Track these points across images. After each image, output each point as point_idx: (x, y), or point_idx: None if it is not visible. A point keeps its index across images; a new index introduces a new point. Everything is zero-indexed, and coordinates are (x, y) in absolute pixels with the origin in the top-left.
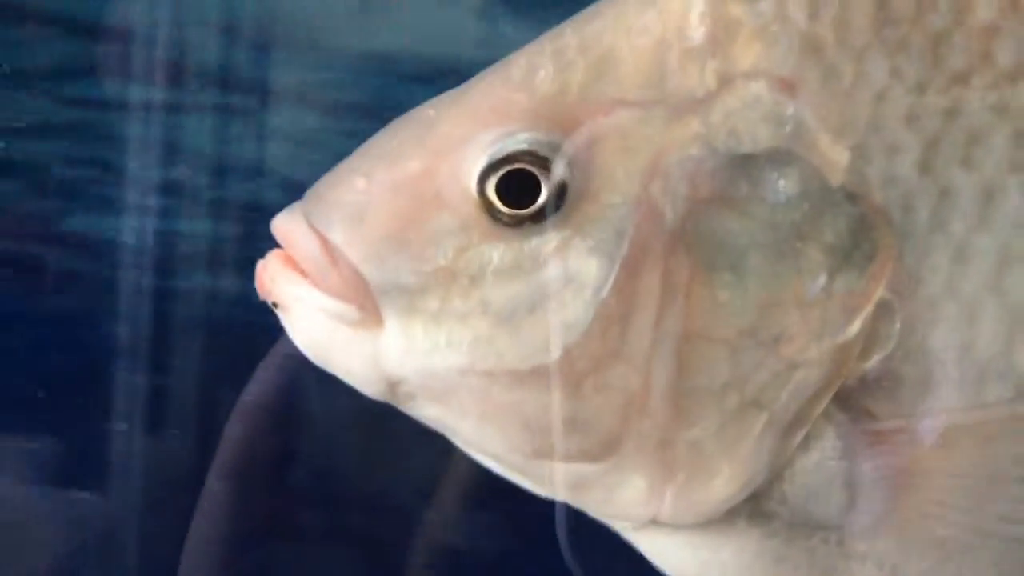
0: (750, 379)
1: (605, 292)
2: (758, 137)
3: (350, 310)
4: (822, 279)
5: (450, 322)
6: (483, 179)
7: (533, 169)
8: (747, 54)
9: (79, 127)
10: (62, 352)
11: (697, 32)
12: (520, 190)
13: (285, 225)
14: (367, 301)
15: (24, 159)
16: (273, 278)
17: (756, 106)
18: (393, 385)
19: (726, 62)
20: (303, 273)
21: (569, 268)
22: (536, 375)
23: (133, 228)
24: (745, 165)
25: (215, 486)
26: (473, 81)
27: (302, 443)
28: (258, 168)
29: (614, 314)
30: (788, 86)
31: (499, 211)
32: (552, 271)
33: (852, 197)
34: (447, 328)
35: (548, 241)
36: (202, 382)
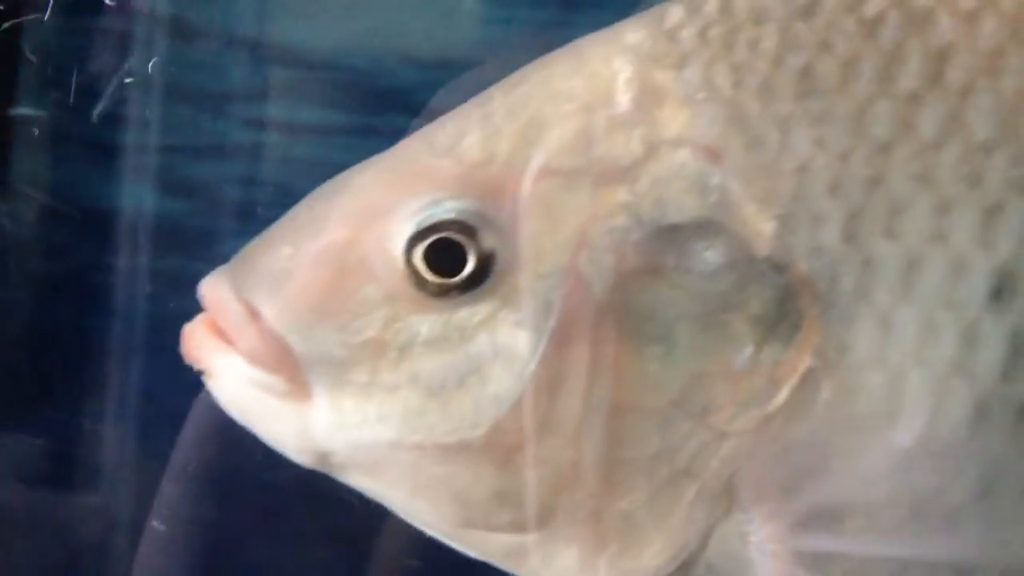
0: (680, 449)
1: (533, 364)
2: (684, 207)
3: (278, 382)
4: (749, 349)
5: (380, 395)
6: (409, 248)
7: (460, 238)
8: (673, 122)
9: (254, 149)
10: None
11: (623, 98)
12: (447, 260)
13: (211, 291)
14: (295, 372)
15: (199, 179)
16: (199, 345)
17: (681, 175)
18: (323, 456)
19: (652, 129)
20: (229, 341)
21: (497, 340)
22: (466, 448)
23: None
24: (672, 235)
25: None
26: (399, 146)
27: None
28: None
29: (543, 386)
30: (713, 155)
31: (426, 281)
32: (480, 343)
33: (777, 267)
34: (377, 401)
35: (476, 313)
36: None
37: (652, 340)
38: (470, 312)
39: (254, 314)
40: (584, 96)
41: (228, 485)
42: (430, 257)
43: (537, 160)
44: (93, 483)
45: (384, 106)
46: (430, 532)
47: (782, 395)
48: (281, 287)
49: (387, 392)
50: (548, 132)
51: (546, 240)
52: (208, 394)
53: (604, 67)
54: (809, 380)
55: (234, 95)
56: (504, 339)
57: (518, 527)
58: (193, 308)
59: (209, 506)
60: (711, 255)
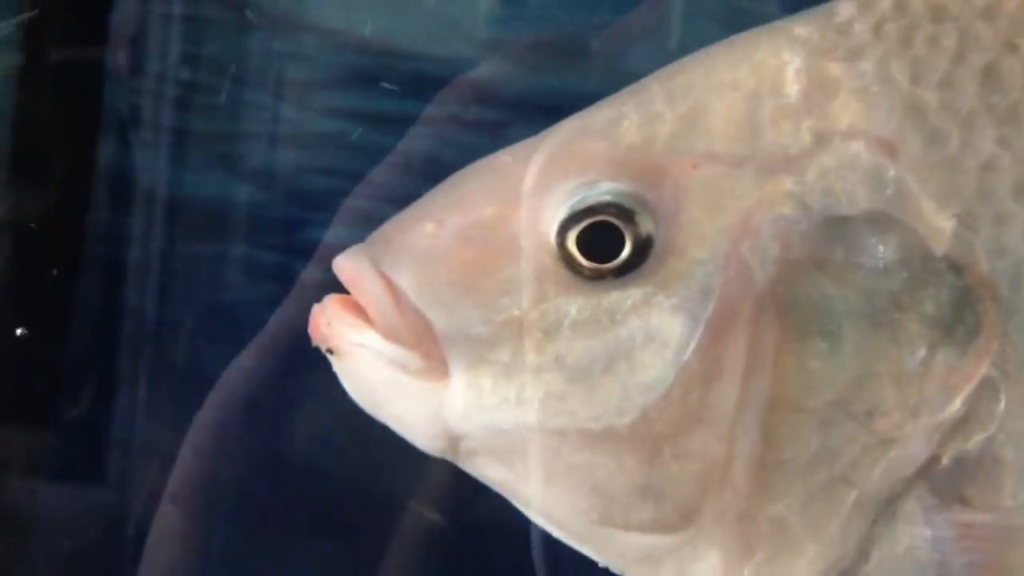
0: (840, 454)
1: (688, 353)
2: (856, 199)
3: (414, 358)
4: (921, 352)
5: (521, 376)
6: (563, 229)
7: (616, 222)
8: (845, 113)
9: (333, 137)
10: None
11: (792, 88)
12: (603, 242)
13: (349, 266)
14: (433, 349)
15: (277, 167)
16: (330, 322)
17: (854, 166)
18: (454, 440)
19: (823, 120)
20: (364, 319)
21: (651, 326)
22: (610, 436)
23: None
24: (841, 227)
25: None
26: (549, 130)
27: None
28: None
29: (696, 377)
30: (889, 148)
31: (579, 264)
32: (632, 328)
33: (956, 267)
34: (518, 382)
35: (628, 297)
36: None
37: (816, 335)
38: (622, 296)
39: (393, 288)
40: (750, 85)
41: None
42: (585, 239)
43: (700, 145)
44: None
45: (465, 96)
46: (560, 534)
47: (956, 404)
48: (424, 262)
49: (530, 374)
50: (711, 119)
51: (707, 226)
52: (208, 412)
53: (771, 57)
54: (986, 389)
55: (314, 83)
56: (658, 325)
57: (659, 526)
58: (273, 296)
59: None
60: (883, 250)
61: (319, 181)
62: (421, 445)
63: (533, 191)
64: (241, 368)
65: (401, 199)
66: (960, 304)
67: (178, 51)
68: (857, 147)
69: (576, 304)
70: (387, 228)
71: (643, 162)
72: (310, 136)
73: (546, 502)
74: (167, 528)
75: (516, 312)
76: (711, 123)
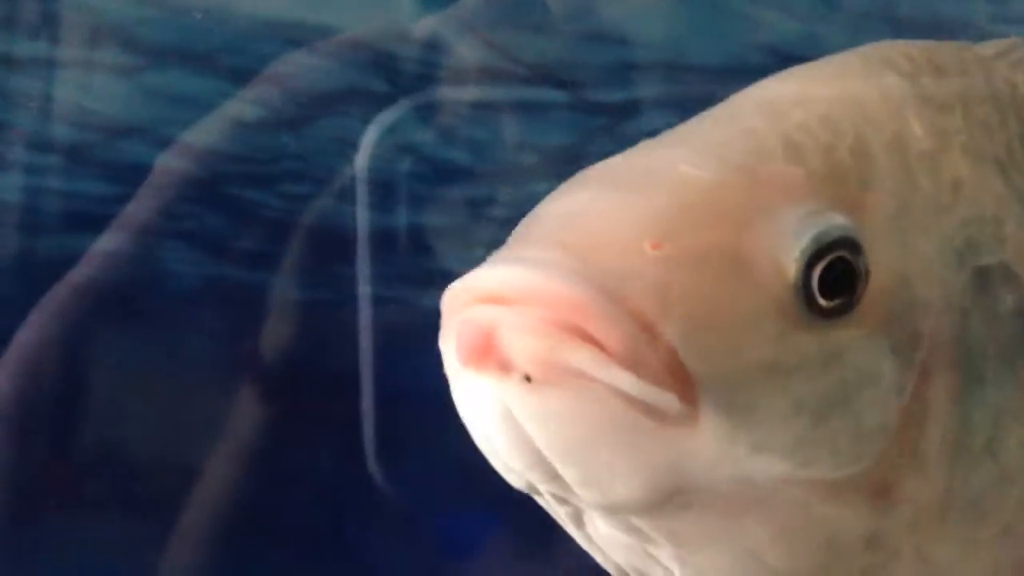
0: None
1: (906, 398)
2: (990, 251)
3: (671, 400)
4: None
5: (771, 422)
6: (808, 264)
7: (851, 257)
8: (962, 164)
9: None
10: None
11: (922, 134)
12: (839, 280)
13: (559, 287)
14: (688, 391)
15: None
16: (554, 347)
17: (982, 219)
18: (678, 492)
19: (952, 170)
20: (598, 346)
21: (874, 368)
22: (849, 485)
23: (17, 186)
24: (981, 276)
25: None
26: (712, 144)
27: (82, 399)
28: (140, 128)
29: (913, 420)
30: (1000, 202)
31: (816, 301)
32: (859, 370)
33: None
34: (767, 429)
35: (855, 337)
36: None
37: (974, 378)
38: (849, 336)
39: (640, 319)
40: (892, 127)
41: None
42: (824, 276)
43: (876, 180)
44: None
45: None
46: None
47: None
48: (666, 290)
49: (778, 419)
50: (875, 155)
51: (906, 266)
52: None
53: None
54: None
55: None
56: (879, 368)
57: (871, 572)
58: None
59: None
60: (1010, 299)
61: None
62: (629, 494)
63: (754, 214)
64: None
65: None
66: None
67: None
68: (983, 200)
69: (814, 344)
70: (582, 244)
71: (847, 194)
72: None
73: (754, 560)
74: None
75: (759, 352)
76: (877, 158)
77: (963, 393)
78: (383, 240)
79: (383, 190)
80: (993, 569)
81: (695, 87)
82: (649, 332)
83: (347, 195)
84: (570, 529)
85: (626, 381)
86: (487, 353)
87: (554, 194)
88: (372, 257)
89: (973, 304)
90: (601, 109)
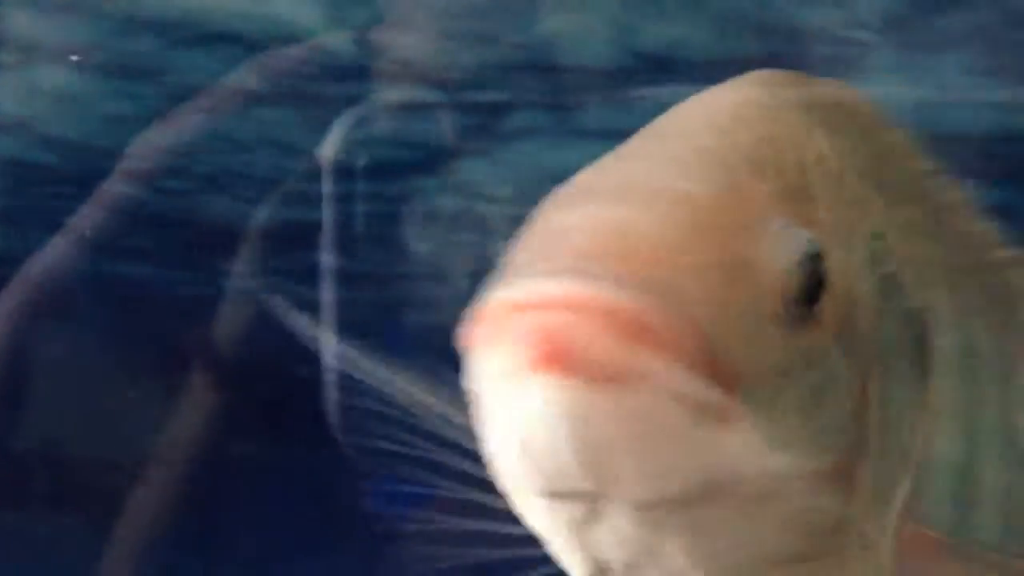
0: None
1: (856, 390)
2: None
3: (721, 399)
4: None
5: (790, 418)
6: (800, 273)
7: (819, 267)
8: (860, 185)
9: None
10: None
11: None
12: (812, 286)
13: (629, 299)
14: (729, 391)
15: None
16: (625, 351)
17: (882, 236)
18: (710, 486)
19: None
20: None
21: (837, 367)
22: (838, 473)
23: None
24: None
25: None
26: (682, 161)
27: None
28: (20, 124)
29: (862, 410)
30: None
31: (804, 306)
32: (830, 369)
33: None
34: (787, 424)
35: (826, 339)
36: None
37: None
38: (821, 338)
39: (692, 325)
40: (820, 146)
41: None
42: (806, 284)
43: (818, 191)
44: None
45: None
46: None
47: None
48: (705, 296)
49: (795, 415)
50: (813, 167)
51: (847, 268)
52: None
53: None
54: None
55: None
56: (840, 366)
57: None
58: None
59: None
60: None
61: None
62: (666, 489)
63: (754, 227)
64: None
65: None
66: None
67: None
68: (874, 216)
69: (807, 345)
70: (625, 256)
71: (801, 208)
72: None
73: (742, 542)
74: None
75: (776, 354)
76: (813, 175)
77: (883, 387)
78: (266, 235)
79: (266, 187)
80: None
81: (569, 88)
82: (699, 337)
83: (226, 191)
84: (562, 534)
85: (686, 382)
86: (555, 357)
87: (553, 208)
88: (255, 252)
89: (883, 308)
90: (475, 109)
